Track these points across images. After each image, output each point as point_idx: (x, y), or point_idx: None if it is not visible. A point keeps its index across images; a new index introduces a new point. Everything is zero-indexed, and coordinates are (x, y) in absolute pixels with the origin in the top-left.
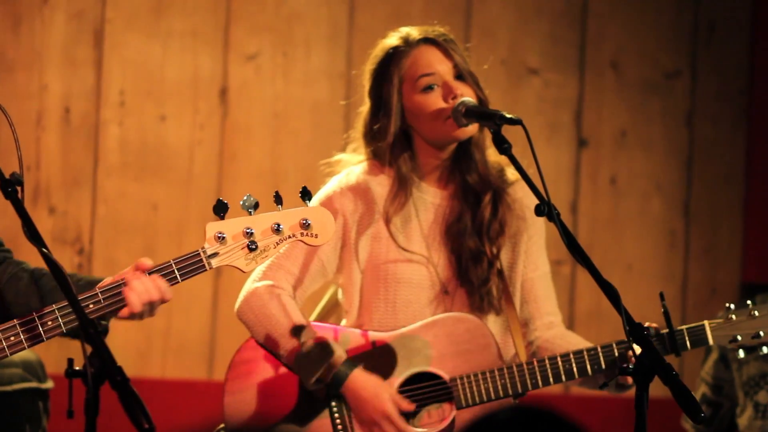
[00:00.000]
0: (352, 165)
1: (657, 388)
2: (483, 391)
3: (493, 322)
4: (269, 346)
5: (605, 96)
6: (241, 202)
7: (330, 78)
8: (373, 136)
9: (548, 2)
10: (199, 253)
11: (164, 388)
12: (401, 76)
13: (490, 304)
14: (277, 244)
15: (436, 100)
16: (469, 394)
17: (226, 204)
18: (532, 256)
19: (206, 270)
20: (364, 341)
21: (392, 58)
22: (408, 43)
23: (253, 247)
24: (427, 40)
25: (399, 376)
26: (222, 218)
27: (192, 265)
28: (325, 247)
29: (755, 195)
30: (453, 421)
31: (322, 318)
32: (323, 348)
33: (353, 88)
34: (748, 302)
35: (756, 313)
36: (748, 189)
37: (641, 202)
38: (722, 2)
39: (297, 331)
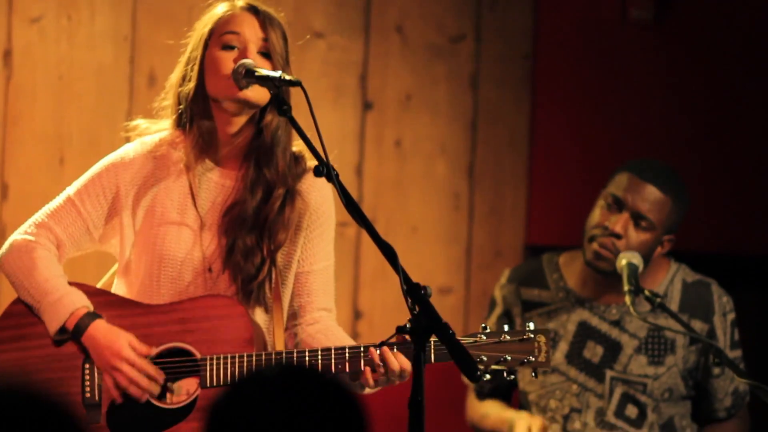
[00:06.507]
0: (148, 133)
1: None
2: (229, 374)
3: (259, 314)
4: (23, 295)
5: (390, 59)
6: None
7: (115, 41)
8: (180, 97)
9: None
10: None
11: None
12: (212, 30)
13: (259, 298)
14: None
15: (227, 59)
16: (215, 375)
17: None
18: (311, 250)
19: None
20: (124, 311)
21: (213, 17)
22: (232, 6)
23: None
24: (250, 8)
25: (154, 348)
26: None
27: None
28: (92, 212)
29: (539, 158)
30: (196, 398)
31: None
32: (70, 298)
33: (138, 51)
34: (505, 326)
35: (507, 338)
36: (531, 152)
37: (426, 164)
38: None
39: (48, 281)
